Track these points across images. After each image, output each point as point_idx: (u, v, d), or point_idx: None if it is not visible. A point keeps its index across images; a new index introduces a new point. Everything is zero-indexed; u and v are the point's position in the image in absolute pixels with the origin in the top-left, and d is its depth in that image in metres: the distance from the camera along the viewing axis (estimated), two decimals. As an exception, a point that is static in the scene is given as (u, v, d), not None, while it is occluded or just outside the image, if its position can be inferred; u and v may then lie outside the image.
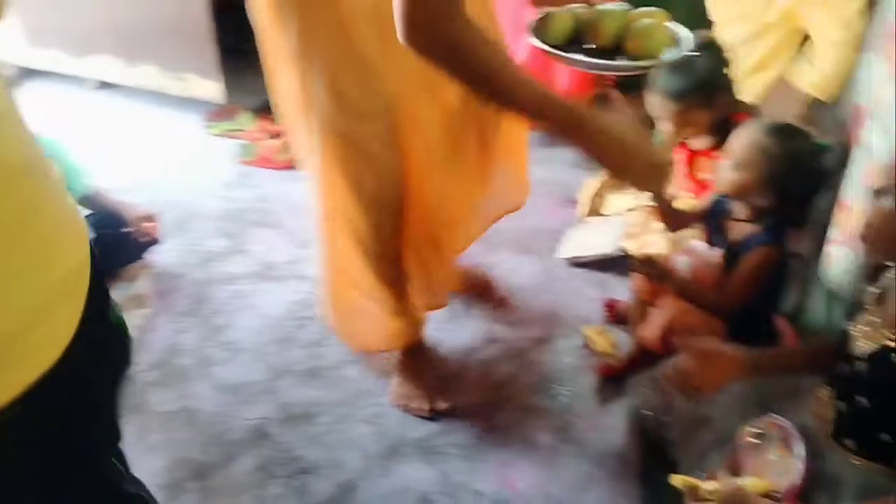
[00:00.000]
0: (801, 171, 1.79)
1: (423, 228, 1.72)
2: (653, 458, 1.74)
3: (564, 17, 1.66)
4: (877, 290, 1.34)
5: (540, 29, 1.63)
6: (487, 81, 1.14)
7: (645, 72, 1.85)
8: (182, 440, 1.86)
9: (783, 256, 1.89)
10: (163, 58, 3.15)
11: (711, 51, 2.27)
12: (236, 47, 2.84)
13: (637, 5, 1.68)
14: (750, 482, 1.37)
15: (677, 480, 1.44)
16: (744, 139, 1.85)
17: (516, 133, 1.92)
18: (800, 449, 1.40)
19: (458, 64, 1.12)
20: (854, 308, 1.39)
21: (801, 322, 2.04)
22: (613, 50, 1.61)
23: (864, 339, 1.32)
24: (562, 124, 1.19)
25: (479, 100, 1.18)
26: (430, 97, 1.57)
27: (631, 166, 1.24)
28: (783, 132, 1.82)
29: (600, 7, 1.68)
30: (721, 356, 1.35)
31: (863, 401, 1.30)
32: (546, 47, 1.58)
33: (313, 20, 1.44)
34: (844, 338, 1.38)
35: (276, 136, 2.98)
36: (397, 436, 1.88)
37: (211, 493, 1.74)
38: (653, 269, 1.93)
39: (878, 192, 1.25)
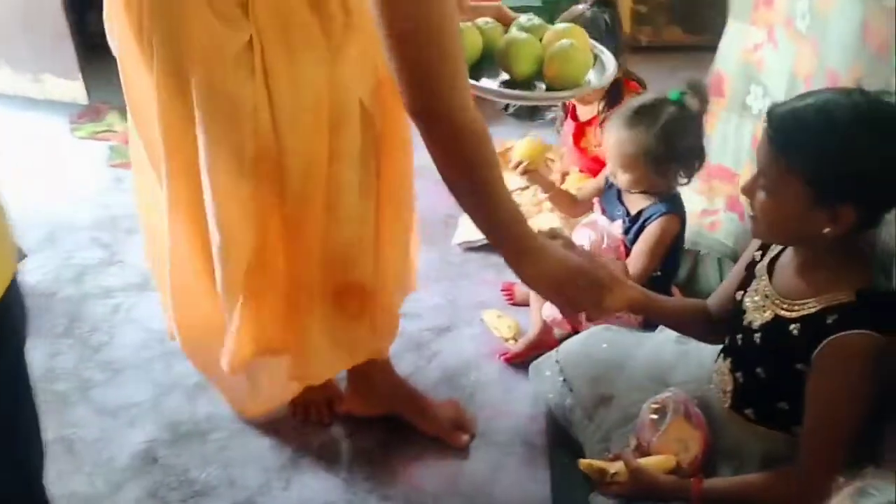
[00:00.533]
0: (677, 137, 1.80)
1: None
2: (560, 441, 1.72)
3: (471, 37, 1.53)
4: (766, 260, 1.35)
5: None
6: (471, 175, 1.15)
7: (565, 100, 1.77)
8: (63, 472, 1.72)
9: (682, 224, 1.90)
10: (15, 58, 2.93)
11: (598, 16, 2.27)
12: (97, 42, 2.65)
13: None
14: (654, 461, 1.37)
15: (583, 465, 1.42)
16: (612, 141, 1.84)
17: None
18: (700, 422, 1.40)
19: (455, 149, 1.12)
20: (745, 278, 1.39)
21: (695, 290, 2.07)
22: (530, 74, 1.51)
23: (755, 310, 1.32)
24: (506, 251, 1.22)
25: (450, 186, 1.17)
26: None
27: (561, 293, 1.26)
28: (642, 114, 1.81)
29: (513, 34, 1.54)
30: (616, 283, 1.32)
31: (759, 371, 1.30)
32: None
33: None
34: (738, 309, 1.38)
35: (148, 135, 2.81)
36: (297, 445, 1.79)
37: (99, 528, 1.62)
38: (563, 241, 1.91)
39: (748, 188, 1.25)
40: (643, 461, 1.37)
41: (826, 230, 1.17)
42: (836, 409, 1.19)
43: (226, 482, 1.70)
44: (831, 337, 1.18)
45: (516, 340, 2.04)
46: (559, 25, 1.54)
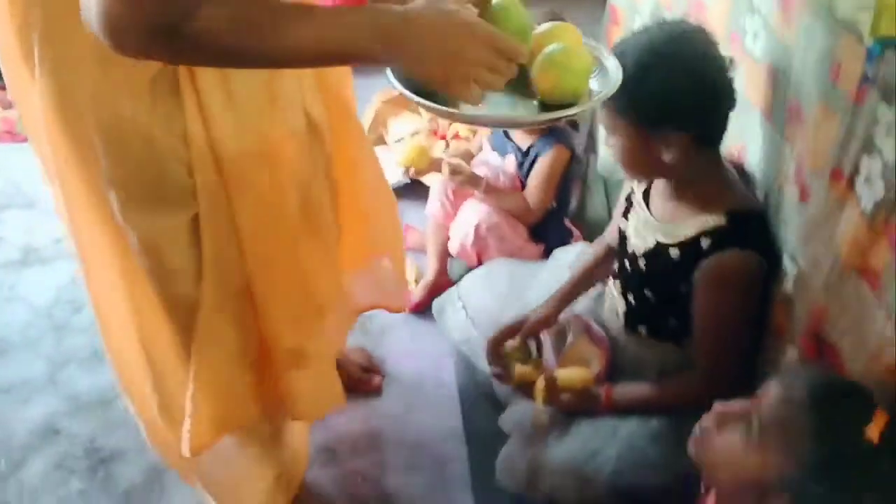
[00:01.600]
0: None
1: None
2: (468, 376, 1.77)
3: None
4: (640, 190, 1.41)
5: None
6: (247, 34, 0.86)
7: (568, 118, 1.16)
8: (-40, 456, 1.65)
9: (572, 155, 1.96)
10: None
11: None
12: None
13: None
14: (564, 373, 1.42)
15: (518, 372, 1.46)
16: None
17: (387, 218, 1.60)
18: (601, 338, 1.47)
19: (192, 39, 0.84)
20: (626, 208, 1.46)
21: (585, 218, 2.15)
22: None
23: (637, 237, 1.38)
24: (369, 39, 0.90)
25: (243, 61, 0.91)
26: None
27: (458, 57, 0.93)
28: None
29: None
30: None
31: (647, 293, 1.37)
32: (410, 94, 1.01)
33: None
34: (622, 237, 1.44)
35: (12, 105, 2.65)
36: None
37: (5, 507, 1.56)
38: (464, 176, 1.94)
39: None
40: (556, 373, 1.42)
41: (667, 158, 1.23)
42: (719, 324, 1.27)
43: (135, 448, 1.66)
44: (707, 259, 1.26)
45: (417, 283, 2.07)
46: (544, 27, 1.14)
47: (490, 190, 1.96)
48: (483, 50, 0.93)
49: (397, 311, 1.73)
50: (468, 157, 2.20)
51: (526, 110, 1.08)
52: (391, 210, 1.60)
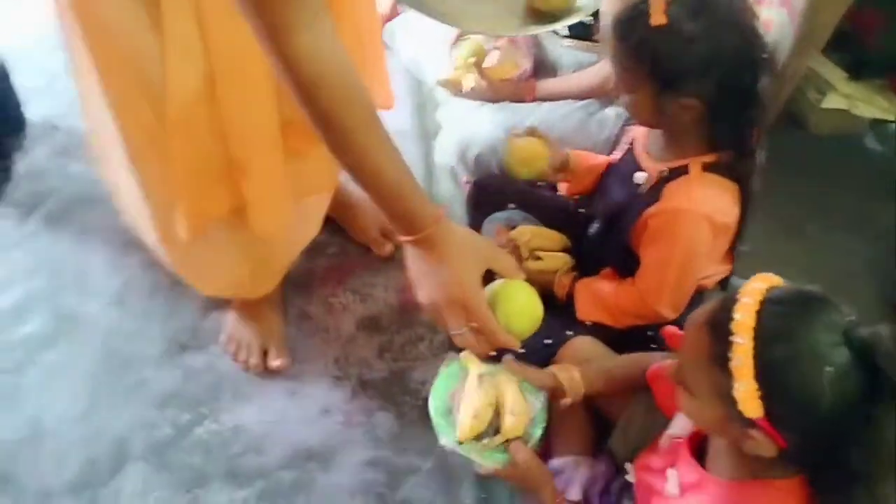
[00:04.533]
0: None
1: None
2: (416, 89, 2.00)
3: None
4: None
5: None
6: (328, 125, 0.92)
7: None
8: None
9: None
10: None
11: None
12: None
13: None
14: (499, 68, 1.67)
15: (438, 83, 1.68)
16: None
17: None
18: (527, 41, 1.70)
19: (294, 86, 0.89)
20: None
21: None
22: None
23: None
24: (398, 220, 0.98)
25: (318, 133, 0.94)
26: None
27: (435, 297, 1.00)
28: None
29: None
30: None
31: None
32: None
33: None
34: None
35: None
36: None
37: None
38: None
39: None
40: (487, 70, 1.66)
41: (681, 117, 1.20)
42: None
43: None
44: None
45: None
46: None
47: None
48: (461, 320, 1.00)
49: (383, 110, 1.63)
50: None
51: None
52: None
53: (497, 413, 1.09)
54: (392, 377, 1.58)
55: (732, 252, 1.32)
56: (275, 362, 1.58)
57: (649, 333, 1.31)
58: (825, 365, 0.80)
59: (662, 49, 1.14)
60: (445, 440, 1.09)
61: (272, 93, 1.22)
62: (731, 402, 0.84)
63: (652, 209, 1.24)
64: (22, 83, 1.93)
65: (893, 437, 0.79)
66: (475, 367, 1.10)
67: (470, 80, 1.66)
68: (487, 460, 1.08)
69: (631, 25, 1.16)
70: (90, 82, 1.23)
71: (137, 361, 1.60)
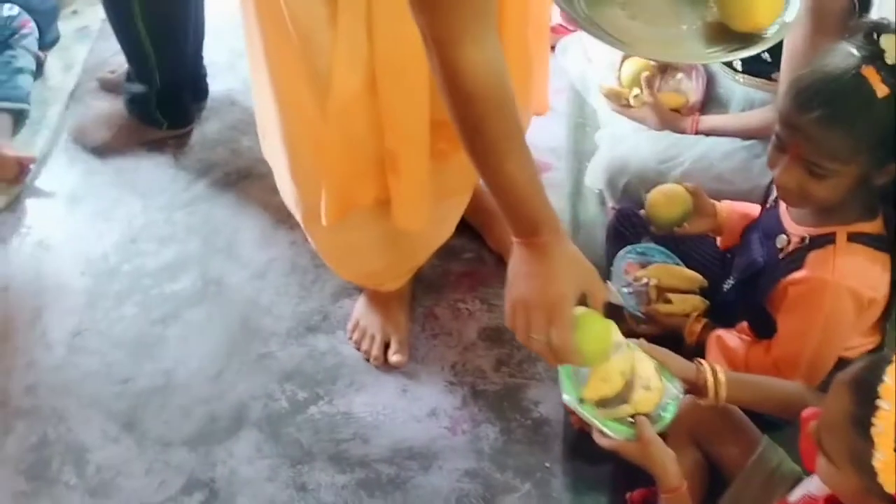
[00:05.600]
0: None
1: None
2: (578, 106, 1.97)
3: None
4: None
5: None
6: (476, 133, 0.96)
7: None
8: None
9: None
10: None
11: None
12: None
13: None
14: (667, 96, 1.62)
15: (603, 90, 1.66)
16: None
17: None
18: (700, 72, 1.64)
19: (450, 95, 0.93)
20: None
21: None
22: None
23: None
24: (518, 222, 1.01)
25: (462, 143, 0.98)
26: None
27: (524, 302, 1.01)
28: None
29: None
30: None
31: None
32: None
33: None
34: None
35: None
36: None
37: None
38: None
39: None
40: (659, 93, 1.62)
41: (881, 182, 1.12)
42: None
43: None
44: None
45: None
46: None
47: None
48: (544, 327, 0.98)
49: (537, 115, 1.65)
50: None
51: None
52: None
53: (627, 385, 1.06)
54: (505, 391, 1.57)
55: (883, 324, 1.22)
56: (394, 357, 1.60)
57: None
58: None
59: (886, 121, 1.05)
60: (568, 397, 1.08)
61: (428, 94, 1.25)
62: (871, 472, 0.78)
63: (793, 277, 1.17)
64: (210, 58, 2.07)
65: None
66: (616, 334, 1.07)
67: (636, 95, 1.62)
68: (608, 428, 1.06)
69: (847, 102, 1.06)
70: (261, 65, 1.32)
71: (268, 334, 1.67)
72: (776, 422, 1.18)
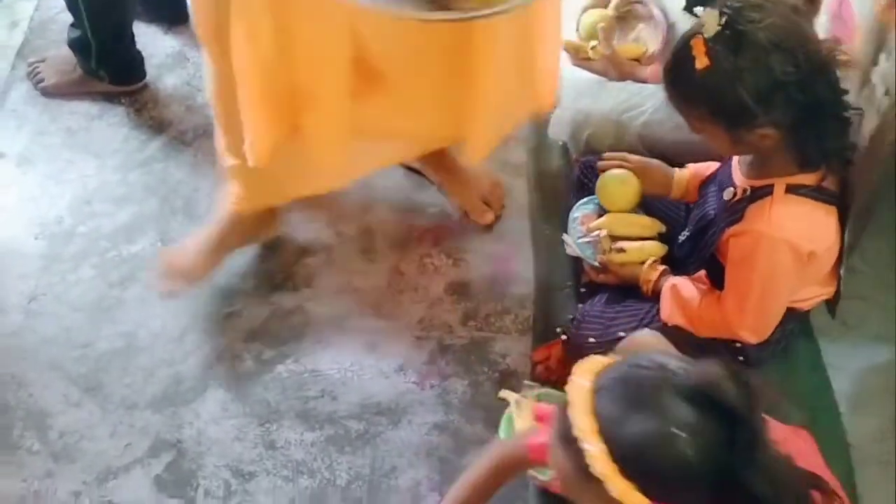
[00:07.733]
0: None
1: None
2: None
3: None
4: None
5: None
6: None
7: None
8: None
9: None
10: None
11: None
12: None
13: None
14: (627, 47, 1.61)
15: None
16: None
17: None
18: (660, 21, 1.64)
19: None
20: None
21: None
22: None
23: None
24: None
25: None
26: None
27: None
28: None
29: None
30: None
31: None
32: None
33: None
34: None
35: None
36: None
37: None
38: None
39: None
40: (617, 46, 1.61)
41: (762, 145, 1.13)
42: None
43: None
44: None
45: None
46: None
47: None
48: None
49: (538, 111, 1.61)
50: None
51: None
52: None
53: None
54: (472, 345, 1.58)
55: (837, 272, 1.23)
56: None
57: (737, 345, 1.25)
58: (675, 431, 0.76)
59: (715, 90, 1.09)
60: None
61: (347, 31, 1.23)
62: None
63: (732, 229, 1.18)
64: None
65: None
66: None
67: (594, 47, 1.61)
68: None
69: (678, 73, 1.13)
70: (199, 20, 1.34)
71: (232, 293, 1.65)
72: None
